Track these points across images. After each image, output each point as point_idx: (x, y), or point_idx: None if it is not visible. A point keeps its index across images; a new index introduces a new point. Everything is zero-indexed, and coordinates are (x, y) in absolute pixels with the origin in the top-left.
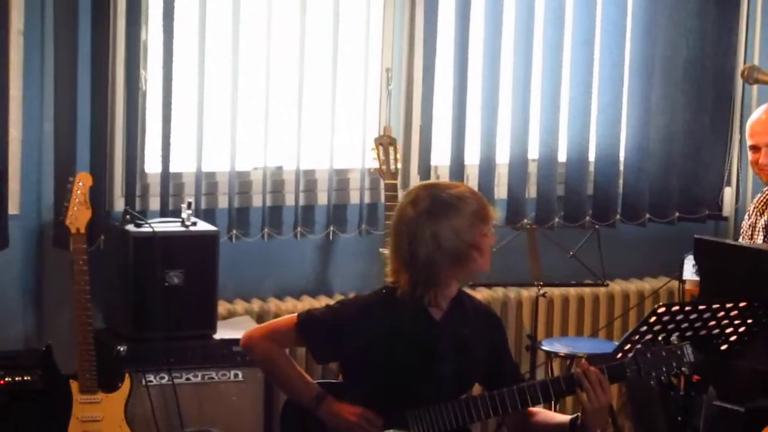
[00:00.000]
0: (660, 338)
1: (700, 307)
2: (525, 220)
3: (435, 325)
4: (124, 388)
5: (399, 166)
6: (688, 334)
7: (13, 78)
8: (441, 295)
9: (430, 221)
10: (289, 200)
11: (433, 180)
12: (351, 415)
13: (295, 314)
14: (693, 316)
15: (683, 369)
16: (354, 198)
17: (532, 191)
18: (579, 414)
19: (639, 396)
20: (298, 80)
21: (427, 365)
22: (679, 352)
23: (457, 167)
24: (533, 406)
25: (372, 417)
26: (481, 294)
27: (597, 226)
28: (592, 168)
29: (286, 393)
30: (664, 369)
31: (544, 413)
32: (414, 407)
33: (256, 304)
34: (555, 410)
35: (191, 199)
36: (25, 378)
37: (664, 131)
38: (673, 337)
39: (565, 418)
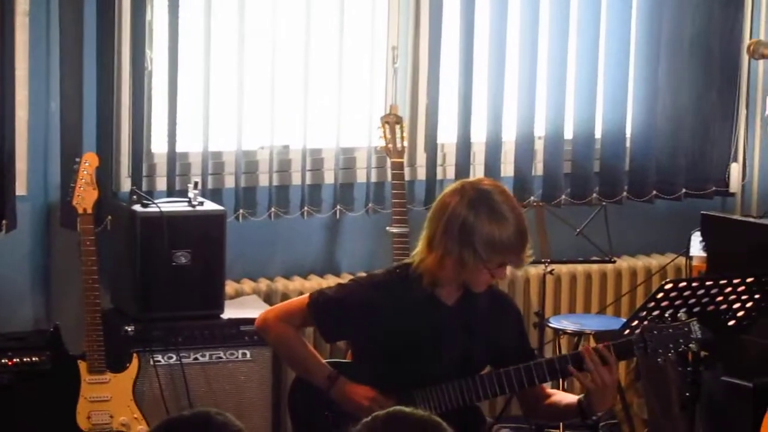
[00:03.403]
0: (667, 314)
1: (708, 283)
2: (532, 198)
3: (445, 309)
4: (133, 368)
5: (406, 144)
6: (696, 309)
7: (19, 59)
8: (446, 284)
9: (468, 210)
10: (296, 179)
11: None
12: (363, 399)
13: (308, 294)
14: (700, 292)
15: (690, 346)
16: (361, 177)
17: (538, 168)
18: (585, 394)
19: (651, 372)
20: (304, 59)
21: (434, 347)
22: (686, 328)
23: (464, 145)
24: (539, 383)
25: (384, 401)
26: None
27: (604, 203)
28: (598, 145)
29: (299, 374)
30: (671, 346)
31: (557, 395)
32: (421, 386)
33: (263, 284)
34: (563, 388)
35: (198, 179)
36: (34, 359)
37: (671, 108)
38: (681, 314)
39: (574, 398)
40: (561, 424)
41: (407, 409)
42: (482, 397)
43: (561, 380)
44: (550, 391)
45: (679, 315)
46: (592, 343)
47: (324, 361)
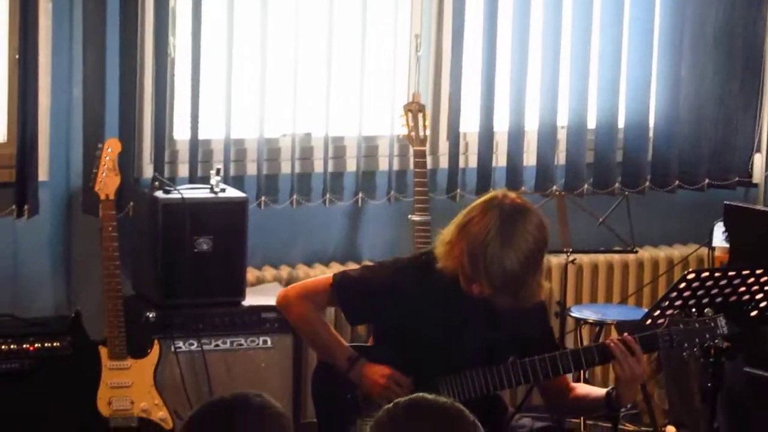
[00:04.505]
0: (690, 304)
1: (730, 274)
2: (554, 187)
3: (470, 299)
4: (153, 355)
5: (428, 132)
6: (718, 300)
7: (42, 45)
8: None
9: (495, 239)
10: (318, 167)
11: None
12: (381, 377)
13: (331, 275)
14: (723, 282)
15: (716, 341)
16: (383, 165)
17: (561, 158)
18: (614, 386)
19: (672, 364)
20: (326, 46)
21: (456, 335)
22: (712, 324)
23: (486, 134)
24: (563, 373)
25: (401, 379)
26: None
27: (626, 193)
28: (621, 135)
29: (319, 353)
30: (697, 340)
31: (582, 387)
32: (443, 373)
33: (284, 271)
34: (584, 380)
35: (220, 166)
36: (55, 344)
37: (694, 98)
38: (707, 309)
39: (601, 391)
40: None
41: (429, 396)
42: (506, 385)
43: (583, 372)
44: (574, 384)
45: (706, 310)
46: (614, 334)
47: (346, 343)
